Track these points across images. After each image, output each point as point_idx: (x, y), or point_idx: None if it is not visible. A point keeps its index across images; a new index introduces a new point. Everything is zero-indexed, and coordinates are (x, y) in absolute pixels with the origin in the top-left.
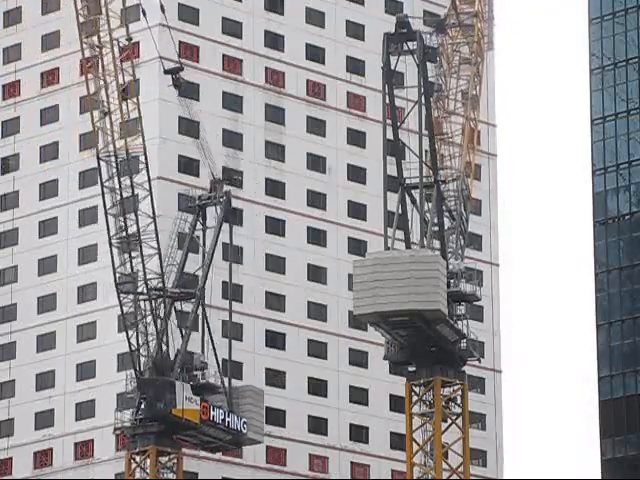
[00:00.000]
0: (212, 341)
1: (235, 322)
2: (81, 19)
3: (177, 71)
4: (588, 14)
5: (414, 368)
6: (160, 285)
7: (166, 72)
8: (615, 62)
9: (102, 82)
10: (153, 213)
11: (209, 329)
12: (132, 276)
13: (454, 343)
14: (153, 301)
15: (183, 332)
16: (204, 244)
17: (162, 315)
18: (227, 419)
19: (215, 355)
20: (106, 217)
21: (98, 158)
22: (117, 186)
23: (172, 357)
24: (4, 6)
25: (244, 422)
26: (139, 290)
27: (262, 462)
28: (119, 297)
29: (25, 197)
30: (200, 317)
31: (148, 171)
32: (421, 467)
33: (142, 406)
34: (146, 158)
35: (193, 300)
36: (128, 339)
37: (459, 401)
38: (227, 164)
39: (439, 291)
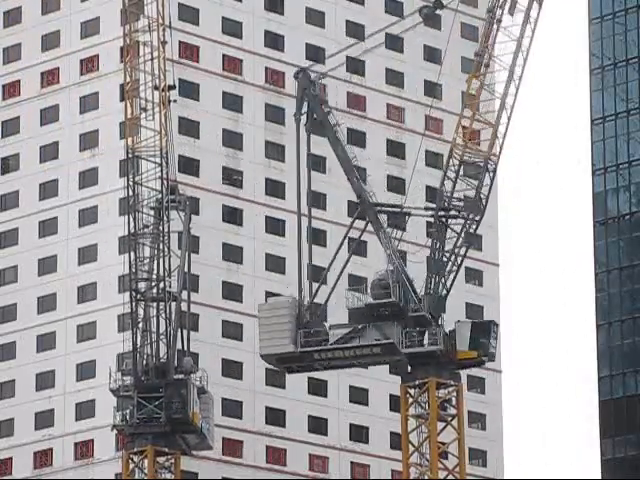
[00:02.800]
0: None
1: (235, 322)
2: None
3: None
4: (588, 14)
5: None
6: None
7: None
8: (615, 62)
9: (144, 75)
10: (167, 215)
11: (188, 330)
12: (148, 275)
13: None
14: (160, 302)
15: (182, 333)
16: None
17: (165, 316)
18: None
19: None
20: (129, 215)
21: (133, 154)
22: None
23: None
24: (4, 6)
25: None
26: (153, 291)
27: (262, 462)
28: (131, 296)
29: (25, 197)
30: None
31: (162, 171)
32: (417, 467)
33: (153, 404)
34: (167, 158)
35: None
36: (133, 339)
37: (454, 402)
38: (227, 164)
39: (278, 335)
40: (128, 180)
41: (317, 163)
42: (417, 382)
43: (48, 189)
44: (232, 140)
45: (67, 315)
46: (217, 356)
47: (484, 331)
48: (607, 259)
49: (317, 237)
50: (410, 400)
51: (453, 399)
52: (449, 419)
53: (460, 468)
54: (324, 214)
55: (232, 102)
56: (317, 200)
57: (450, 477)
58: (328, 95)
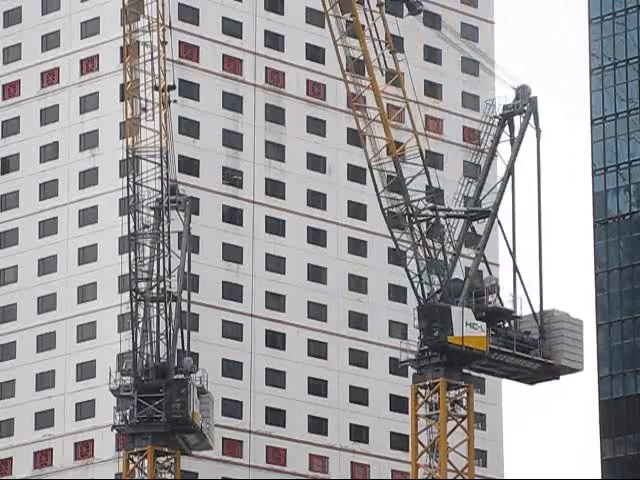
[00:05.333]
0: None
1: (235, 322)
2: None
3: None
4: (588, 14)
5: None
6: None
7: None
8: (615, 62)
9: (144, 75)
10: (167, 215)
11: (188, 330)
12: (149, 276)
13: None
14: (160, 302)
15: (182, 333)
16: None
17: (165, 316)
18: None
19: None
20: (129, 215)
21: (133, 154)
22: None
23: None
24: (4, 6)
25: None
26: (153, 291)
27: (262, 462)
28: (131, 296)
29: (25, 197)
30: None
31: (162, 170)
32: (425, 468)
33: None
34: (167, 158)
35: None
36: (133, 339)
37: (464, 403)
38: (227, 164)
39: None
40: (128, 180)
41: (317, 163)
42: (428, 382)
43: (48, 189)
44: (232, 140)
45: (67, 315)
46: (217, 356)
47: (433, 317)
48: (607, 259)
49: (317, 237)
50: (420, 400)
51: (464, 400)
52: (458, 420)
53: (469, 469)
54: (324, 214)
55: (232, 102)
56: (317, 200)
57: (459, 478)
58: (327, 97)
